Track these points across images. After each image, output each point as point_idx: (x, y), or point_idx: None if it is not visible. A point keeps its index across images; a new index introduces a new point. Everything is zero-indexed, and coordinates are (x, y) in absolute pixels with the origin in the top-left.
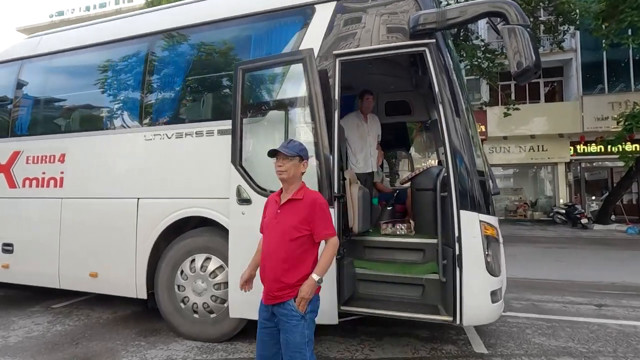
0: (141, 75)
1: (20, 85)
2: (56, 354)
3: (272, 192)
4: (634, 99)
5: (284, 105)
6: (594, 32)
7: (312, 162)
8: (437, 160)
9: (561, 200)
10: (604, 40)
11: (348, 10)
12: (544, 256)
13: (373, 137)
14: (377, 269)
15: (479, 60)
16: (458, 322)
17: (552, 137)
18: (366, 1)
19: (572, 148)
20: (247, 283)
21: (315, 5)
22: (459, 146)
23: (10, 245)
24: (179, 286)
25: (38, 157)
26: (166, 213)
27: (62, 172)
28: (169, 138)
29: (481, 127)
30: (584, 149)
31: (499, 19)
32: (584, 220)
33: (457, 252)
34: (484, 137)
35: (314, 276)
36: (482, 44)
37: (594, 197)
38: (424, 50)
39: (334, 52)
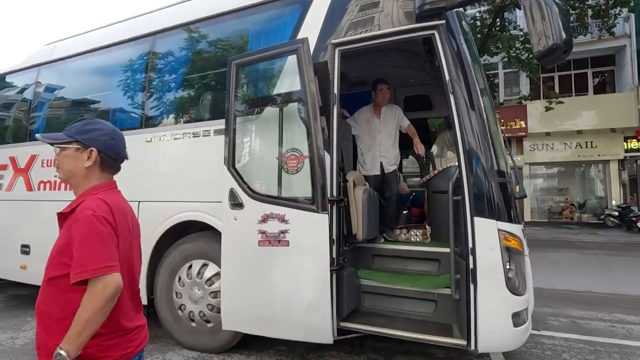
0: (142, 75)
1: (37, 90)
2: None
3: (267, 196)
4: None
5: (279, 101)
6: None
7: (307, 162)
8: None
9: (614, 202)
10: None
11: None
12: (590, 264)
13: (386, 134)
14: (383, 281)
15: (518, 52)
16: (473, 347)
17: (603, 132)
18: None
19: (626, 144)
20: None
21: None
22: (474, 142)
23: (28, 246)
24: (176, 293)
25: (51, 160)
26: (164, 217)
27: None
28: (167, 139)
29: (520, 122)
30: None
31: None
32: None
33: (471, 266)
34: (523, 133)
35: (60, 350)
36: (521, 33)
37: None
38: (433, 34)
39: (332, 41)
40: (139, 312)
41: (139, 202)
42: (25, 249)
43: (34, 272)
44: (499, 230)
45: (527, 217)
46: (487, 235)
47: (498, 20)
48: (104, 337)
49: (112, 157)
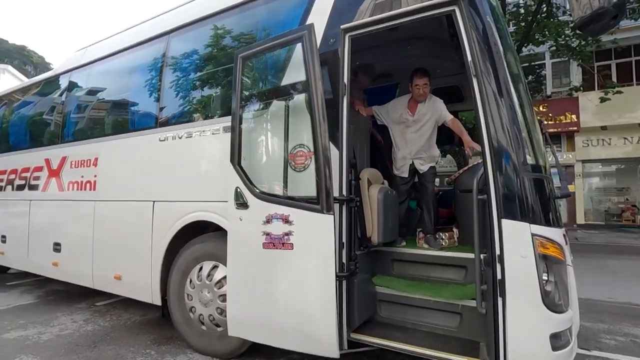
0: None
1: (68, 94)
2: (71, 356)
3: (272, 196)
4: None
5: (286, 93)
6: None
7: (313, 158)
8: None
9: None
10: None
11: None
12: None
13: (420, 134)
14: (401, 289)
15: (567, 39)
16: None
17: None
18: None
19: None
20: None
21: None
22: (502, 132)
23: (59, 244)
24: (187, 295)
25: (78, 161)
26: (177, 217)
27: (95, 176)
28: (180, 138)
29: (572, 116)
30: None
31: None
32: None
33: (498, 276)
34: (575, 127)
35: None
36: (571, 19)
37: None
38: (453, 11)
39: (342, 26)
40: None
41: (154, 201)
42: (57, 247)
43: (64, 269)
44: (532, 235)
45: (581, 220)
46: (518, 240)
47: (544, 5)
48: None
49: None
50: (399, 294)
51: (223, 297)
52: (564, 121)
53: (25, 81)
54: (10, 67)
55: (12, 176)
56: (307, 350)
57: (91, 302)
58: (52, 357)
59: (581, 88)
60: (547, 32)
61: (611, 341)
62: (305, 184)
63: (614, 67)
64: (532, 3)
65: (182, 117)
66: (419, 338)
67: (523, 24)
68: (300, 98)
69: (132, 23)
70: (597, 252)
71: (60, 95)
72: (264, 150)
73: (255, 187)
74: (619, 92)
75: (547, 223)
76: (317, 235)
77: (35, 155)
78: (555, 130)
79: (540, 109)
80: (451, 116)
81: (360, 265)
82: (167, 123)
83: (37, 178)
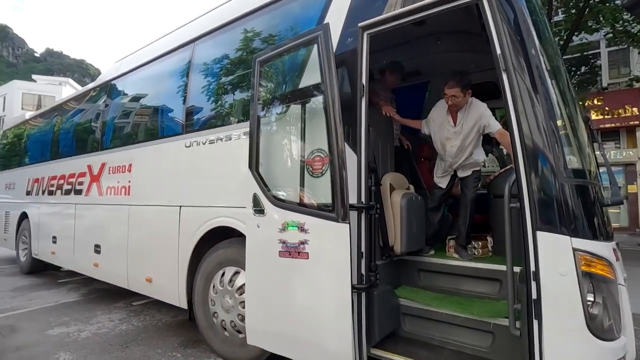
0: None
1: (106, 103)
2: (103, 356)
3: (288, 202)
4: None
5: (302, 96)
6: None
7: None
8: None
9: None
10: None
11: None
12: None
13: (461, 147)
14: (426, 303)
15: (626, 24)
16: None
17: None
18: None
19: None
20: None
21: None
22: (537, 132)
23: (99, 246)
24: (211, 300)
25: (115, 167)
26: (201, 222)
27: (129, 181)
28: (204, 144)
29: (632, 109)
30: None
31: None
32: None
33: (533, 295)
34: (636, 121)
35: None
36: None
37: None
38: (480, 0)
39: (360, 24)
40: None
41: (180, 206)
42: (97, 249)
43: (103, 270)
44: (574, 249)
45: None
46: (556, 255)
47: None
48: None
49: None
50: (424, 307)
51: (244, 304)
52: (623, 115)
53: (71, 93)
54: (70, 80)
55: (61, 181)
56: None
57: (128, 302)
58: (87, 356)
59: None
60: (601, 18)
61: None
62: (321, 191)
63: None
64: None
65: (205, 123)
66: (446, 357)
67: (574, 10)
68: (316, 101)
69: (164, 32)
70: None
71: (100, 105)
72: (282, 156)
73: (272, 193)
74: None
75: (593, 236)
76: (332, 245)
77: (79, 162)
78: (613, 125)
79: (595, 102)
80: (499, 127)
81: (383, 275)
82: (192, 129)
83: (81, 183)
